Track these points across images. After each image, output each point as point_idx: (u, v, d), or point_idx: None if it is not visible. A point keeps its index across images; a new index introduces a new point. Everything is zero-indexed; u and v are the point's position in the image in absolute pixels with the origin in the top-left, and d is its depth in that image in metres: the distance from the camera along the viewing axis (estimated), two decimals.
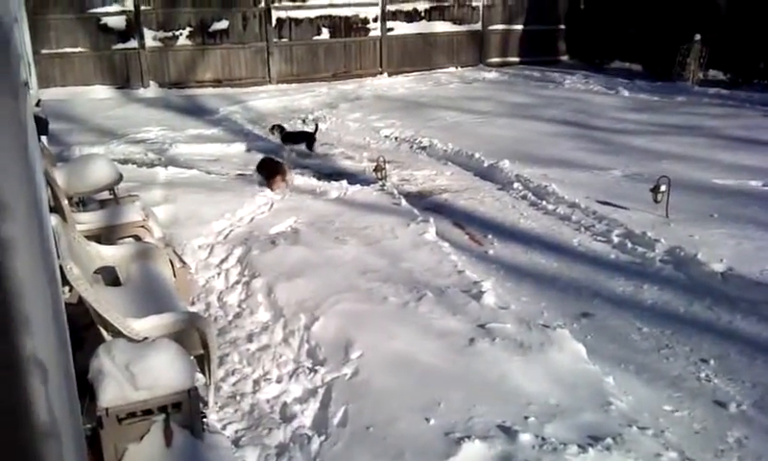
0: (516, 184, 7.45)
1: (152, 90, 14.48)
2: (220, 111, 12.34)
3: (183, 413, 2.82)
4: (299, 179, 7.64)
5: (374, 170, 7.80)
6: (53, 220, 3.16)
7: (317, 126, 10.00)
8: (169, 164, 8.42)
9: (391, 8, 16.57)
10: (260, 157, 8.16)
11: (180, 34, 14.81)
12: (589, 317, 4.61)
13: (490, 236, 6.09)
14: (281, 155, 8.99)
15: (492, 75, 16.65)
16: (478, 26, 17.74)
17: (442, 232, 6.01)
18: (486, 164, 8.27)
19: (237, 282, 4.94)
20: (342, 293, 4.56)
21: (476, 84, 15.51)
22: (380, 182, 7.50)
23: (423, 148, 9.58)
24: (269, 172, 7.53)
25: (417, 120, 11.35)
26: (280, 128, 9.51)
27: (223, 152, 9.58)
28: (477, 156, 8.59)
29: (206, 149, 9.70)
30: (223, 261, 5.31)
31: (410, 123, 11.11)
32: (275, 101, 13.50)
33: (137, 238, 4.61)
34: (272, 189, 7.18)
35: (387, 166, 7.87)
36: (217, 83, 15.16)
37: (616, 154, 8.78)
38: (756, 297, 4.74)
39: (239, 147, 9.79)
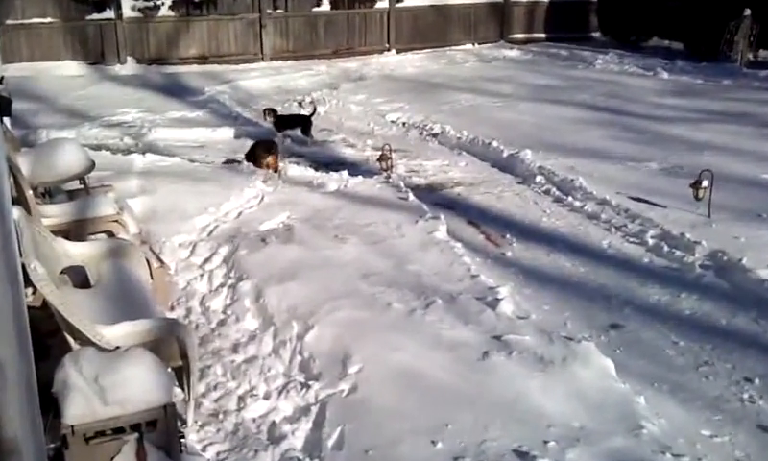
0: (538, 178, 7.45)
1: (129, 67, 14.52)
2: (205, 92, 12.35)
3: (159, 432, 2.83)
4: (293, 169, 7.65)
5: (379, 160, 7.80)
6: (15, 213, 3.16)
7: (315, 109, 10.00)
8: (147, 151, 8.43)
9: None
10: (251, 143, 8.20)
11: (162, 3, 14.84)
12: (619, 329, 4.60)
13: (508, 236, 6.08)
14: (275, 140, 8.97)
15: (515, 53, 16.63)
16: None
17: (454, 231, 6.00)
18: (505, 154, 8.26)
19: (222, 285, 4.95)
20: (340, 299, 4.56)
21: (496, 64, 15.50)
22: (385, 174, 7.51)
23: (434, 135, 9.57)
24: (258, 156, 7.57)
25: (427, 103, 11.34)
26: (273, 111, 9.53)
27: (208, 137, 9.59)
28: (495, 144, 8.58)
29: (190, 134, 9.69)
30: (206, 261, 5.32)
31: (420, 107, 11.10)
32: (267, 80, 13.50)
33: (110, 234, 4.61)
34: (260, 167, 7.28)
35: (393, 155, 7.87)
36: (203, 59, 15.19)
37: (653, 144, 8.76)
38: None
39: (226, 132, 9.80)
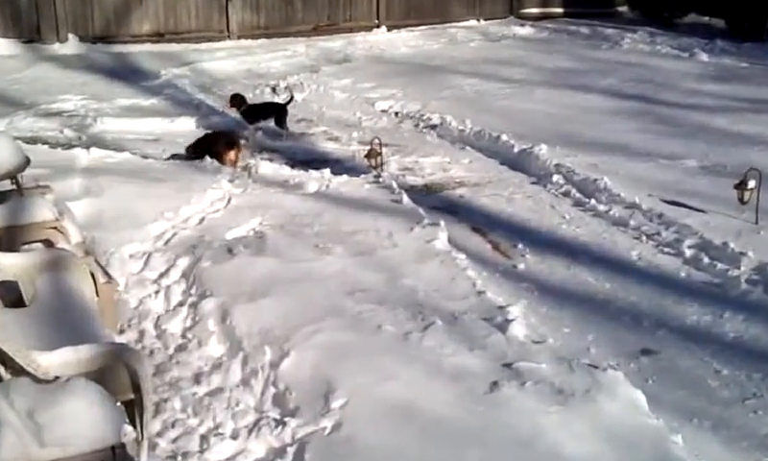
0: (555, 177, 7.48)
1: (70, 46, 14.46)
2: (161, 75, 12.33)
3: None
4: (266, 166, 7.65)
5: (367, 156, 7.81)
6: None
7: (291, 96, 10.02)
8: (92, 145, 8.40)
9: None
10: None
11: None
12: (652, 355, 4.62)
13: (520, 246, 6.10)
14: (243, 135, 9.02)
15: (527, 30, 16.71)
16: None
17: (456, 240, 6.02)
18: (516, 150, 8.28)
19: (181, 304, 4.94)
20: (322, 319, 4.57)
21: (505, 43, 15.55)
22: (375, 173, 7.52)
23: (433, 127, 9.60)
24: (218, 151, 7.63)
25: (425, 90, 11.36)
26: (242, 98, 9.53)
27: (165, 129, 9.58)
28: (505, 138, 8.60)
29: (143, 125, 9.67)
30: (162, 276, 5.31)
31: (415, 93, 11.12)
32: (235, 62, 13.49)
33: (48, 243, 4.57)
34: (221, 163, 7.37)
35: (384, 151, 7.88)
36: (158, 37, 15.18)
37: (690, 138, 8.81)
38: None
39: (186, 123, 9.79)
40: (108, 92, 11.17)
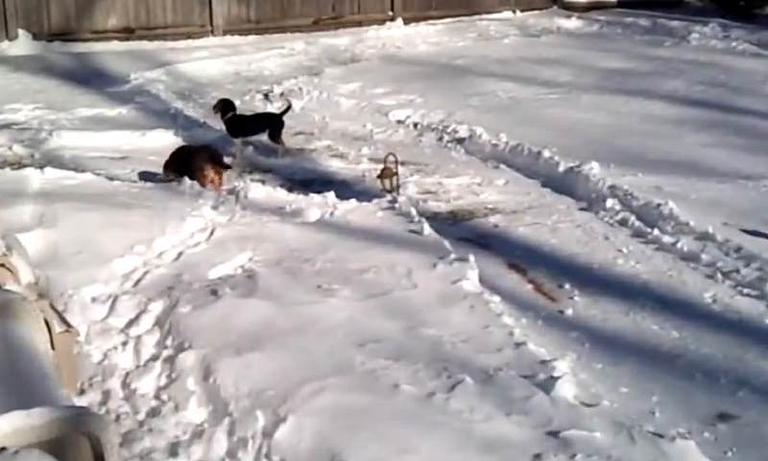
0: (610, 202, 7.47)
1: (21, 45, 14.58)
2: (131, 79, 12.43)
3: None
4: (257, 189, 7.65)
5: (380, 176, 7.84)
6: None
7: (289, 105, 10.04)
8: (47, 164, 8.45)
9: None
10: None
11: None
12: (731, 420, 4.56)
13: (567, 286, 6.09)
14: (229, 151, 9.07)
15: (574, 23, 16.75)
16: None
17: (489, 279, 6.01)
18: (561, 169, 8.30)
19: (154, 358, 4.92)
20: (326, 377, 4.54)
21: (547, 39, 15.58)
22: (390, 197, 7.50)
23: (460, 141, 9.61)
24: (197, 169, 7.70)
25: (449, 96, 11.39)
26: (228, 105, 9.59)
27: (135, 145, 9.63)
28: (547, 154, 8.61)
29: (108, 140, 9.73)
30: (131, 323, 5.30)
31: (438, 101, 11.13)
32: (220, 63, 13.58)
33: None
34: (201, 183, 7.44)
35: (400, 170, 7.90)
36: (127, 33, 15.31)
37: None
38: None
39: (161, 137, 9.86)
40: (66, 100, 11.26)
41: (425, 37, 15.75)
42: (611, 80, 12.27)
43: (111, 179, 8.11)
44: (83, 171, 8.22)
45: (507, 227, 7.23)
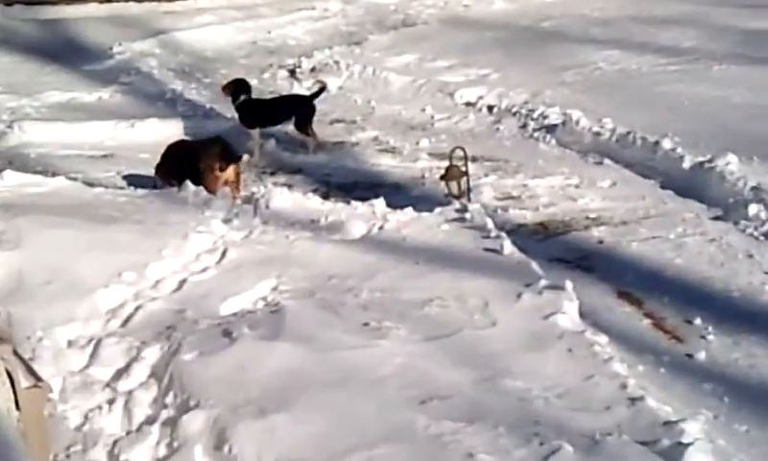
0: (753, 208, 7.43)
1: None
2: (114, 53, 12.67)
3: None
4: (282, 195, 7.63)
5: (444, 177, 7.81)
6: None
7: (323, 86, 10.03)
8: (7, 166, 8.49)
9: None
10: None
11: None
12: None
13: (698, 321, 6.01)
14: (247, 146, 9.07)
15: None
16: None
17: (593, 312, 5.99)
18: (687, 164, 8.26)
19: (151, 421, 4.90)
20: (376, 445, 4.52)
21: None
22: (457, 204, 7.46)
23: (550, 129, 9.62)
24: (206, 168, 7.67)
25: (535, 70, 11.42)
26: (242, 85, 9.59)
27: (121, 139, 9.71)
28: (667, 145, 8.59)
29: (86, 133, 9.80)
30: (120, 375, 5.27)
31: (520, 76, 11.16)
32: (230, 30, 13.77)
33: None
34: (210, 188, 7.50)
35: (471, 169, 7.88)
36: None
37: None
38: None
39: (155, 128, 9.91)
40: (31, 82, 11.41)
41: None
42: (753, 45, 12.17)
43: (91, 184, 8.14)
44: (53, 175, 8.29)
45: (615, 243, 7.20)
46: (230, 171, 7.79)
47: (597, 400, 4.85)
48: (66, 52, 12.66)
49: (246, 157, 8.53)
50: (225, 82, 9.86)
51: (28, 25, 14.14)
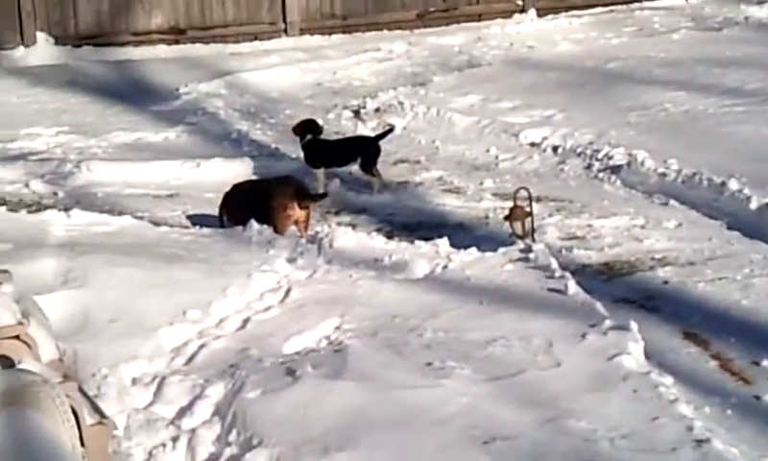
0: None
1: (41, 51, 14.93)
2: (181, 94, 12.70)
3: None
4: (347, 235, 7.76)
5: (508, 218, 7.83)
6: None
7: (390, 127, 10.19)
8: (74, 205, 8.62)
9: None
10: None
11: None
12: None
13: (765, 363, 6.00)
14: (312, 186, 9.13)
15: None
16: None
17: (659, 354, 5.98)
18: (754, 205, 8.25)
19: (214, 459, 4.98)
20: None
21: (730, 33, 15.39)
22: (522, 244, 7.51)
23: (615, 170, 9.62)
24: (277, 207, 7.78)
25: (600, 110, 11.37)
26: (310, 127, 9.71)
27: (186, 179, 9.82)
28: (734, 186, 8.56)
29: (152, 173, 9.92)
30: (184, 413, 5.35)
31: (585, 117, 11.14)
32: (296, 71, 13.78)
33: (6, 361, 4.66)
34: (279, 228, 7.57)
35: (536, 209, 7.91)
36: (176, 34, 15.61)
37: None
38: None
39: (220, 169, 10.02)
40: (98, 122, 11.50)
41: (566, 34, 15.72)
42: None
43: (156, 223, 8.26)
44: (119, 214, 8.38)
45: (681, 283, 7.18)
46: (297, 212, 7.87)
47: (663, 442, 4.83)
48: (133, 93, 12.76)
49: (313, 195, 8.54)
50: (295, 121, 9.98)
51: (96, 66, 14.26)
